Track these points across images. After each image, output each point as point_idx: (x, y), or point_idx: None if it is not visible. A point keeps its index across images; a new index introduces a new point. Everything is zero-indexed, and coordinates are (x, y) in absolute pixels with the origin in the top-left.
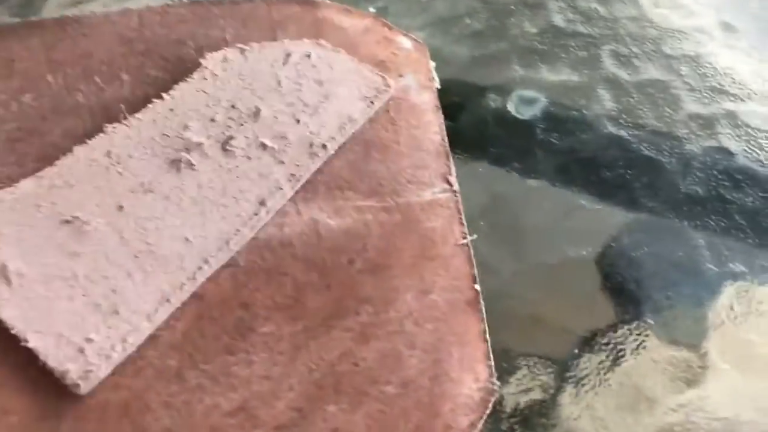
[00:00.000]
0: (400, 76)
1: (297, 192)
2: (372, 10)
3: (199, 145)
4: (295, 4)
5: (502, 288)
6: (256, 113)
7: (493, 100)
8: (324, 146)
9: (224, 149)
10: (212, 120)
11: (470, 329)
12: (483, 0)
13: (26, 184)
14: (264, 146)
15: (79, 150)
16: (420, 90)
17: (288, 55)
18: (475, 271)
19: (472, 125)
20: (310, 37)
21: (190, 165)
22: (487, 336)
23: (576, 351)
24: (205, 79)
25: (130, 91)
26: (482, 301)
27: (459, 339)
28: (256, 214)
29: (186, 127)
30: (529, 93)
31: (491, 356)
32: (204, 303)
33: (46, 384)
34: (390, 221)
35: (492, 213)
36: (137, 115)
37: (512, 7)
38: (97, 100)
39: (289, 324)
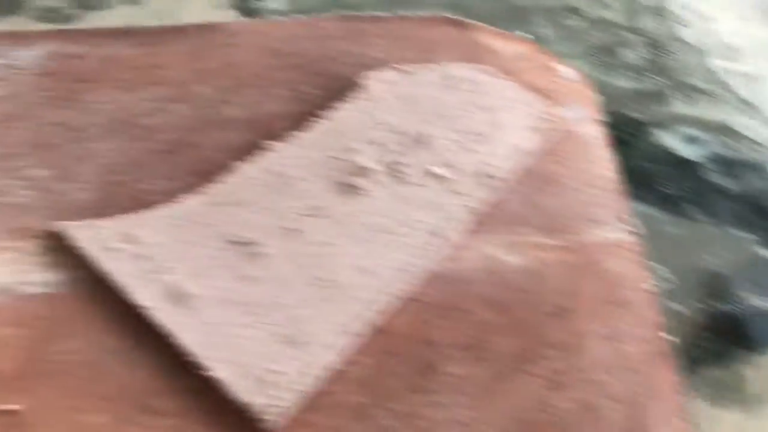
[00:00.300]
0: (565, 107)
1: (471, 225)
2: (524, 35)
3: (368, 169)
4: (448, 25)
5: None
6: (424, 139)
7: (656, 137)
8: (497, 177)
9: (395, 176)
10: (379, 144)
11: (664, 381)
12: (637, 32)
13: (191, 201)
14: (435, 174)
15: (242, 167)
16: (587, 122)
17: (451, 79)
18: (663, 320)
19: (635, 162)
20: (466, 60)
21: (360, 190)
22: (681, 389)
23: None
24: (367, 99)
25: (284, 106)
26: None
27: (654, 392)
28: (432, 246)
29: (352, 150)
30: (694, 131)
31: (686, 411)
32: (387, 337)
33: (227, 417)
34: (569, 261)
35: (668, 257)
36: (300, 134)
37: (666, 40)
38: (251, 114)
39: (475, 365)
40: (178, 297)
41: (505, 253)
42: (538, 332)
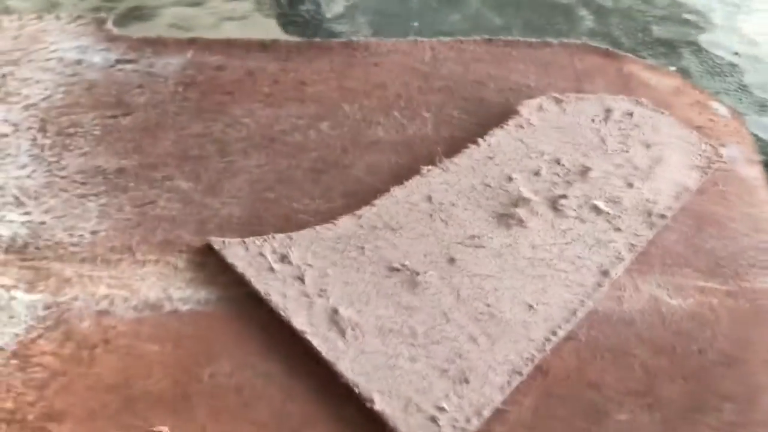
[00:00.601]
0: (722, 145)
1: (632, 264)
2: (673, 68)
3: (528, 200)
4: (598, 55)
5: None
6: (584, 171)
7: None
8: (662, 216)
9: (555, 208)
10: (536, 174)
11: None
12: None
13: (345, 223)
14: (597, 209)
15: (397, 191)
16: (746, 163)
17: (608, 110)
18: None
19: None
20: (617, 92)
21: (521, 222)
22: None
23: None
24: (522, 127)
25: (433, 129)
26: None
27: None
28: (600, 285)
29: (509, 179)
30: None
31: None
32: (549, 378)
33: None
34: (738, 308)
35: None
36: (454, 160)
37: None
38: (399, 137)
39: (645, 413)
40: (335, 322)
41: (670, 296)
42: (708, 381)
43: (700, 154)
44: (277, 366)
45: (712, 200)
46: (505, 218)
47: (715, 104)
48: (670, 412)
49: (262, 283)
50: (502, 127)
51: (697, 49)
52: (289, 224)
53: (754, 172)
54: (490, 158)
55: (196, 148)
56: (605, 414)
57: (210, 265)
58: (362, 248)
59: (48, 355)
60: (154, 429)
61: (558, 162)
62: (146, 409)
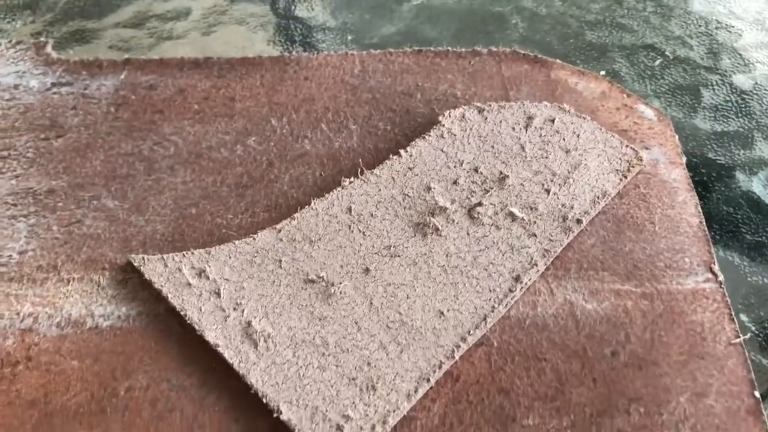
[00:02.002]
0: (646, 148)
1: (548, 268)
2: (602, 73)
3: (444, 209)
4: (525, 62)
5: None
6: (501, 179)
7: (740, 181)
8: (578, 221)
9: (471, 216)
10: (455, 182)
11: None
12: (719, 72)
13: (264, 237)
14: (513, 216)
15: (317, 204)
16: (669, 165)
17: (530, 118)
18: (752, 376)
19: (720, 207)
20: (543, 99)
21: (436, 230)
22: None
23: None
24: (443, 137)
25: (358, 141)
26: (764, 411)
27: None
28: (511, 291)
29: (428, 189)
30: None
31: None
32: (459, 384)
33: None
34: (652, 310)
35: (756, 309)
36: (375, 171)
37: (752, 80)
38: (325, 149)
39: (554, 417)
40: (249, 335)
41: (585, 300)
42: (618, 384)
43: (620, 158)
44: (192, 379)
45: (632, 203)
46: (422, 227)
47: (641, 107)
48: (578, 416)
49: (178, 298)
50: (423, 137)
51: (630, 53)
52: (212, 239)
53: (676, 174)
54: (410, 169)
55: (124, 167)
56: (513, 419)
57: (131, 281)
58: (279, 261)
59: None
60: None
61: (476, 170)
62: (63, 423)
